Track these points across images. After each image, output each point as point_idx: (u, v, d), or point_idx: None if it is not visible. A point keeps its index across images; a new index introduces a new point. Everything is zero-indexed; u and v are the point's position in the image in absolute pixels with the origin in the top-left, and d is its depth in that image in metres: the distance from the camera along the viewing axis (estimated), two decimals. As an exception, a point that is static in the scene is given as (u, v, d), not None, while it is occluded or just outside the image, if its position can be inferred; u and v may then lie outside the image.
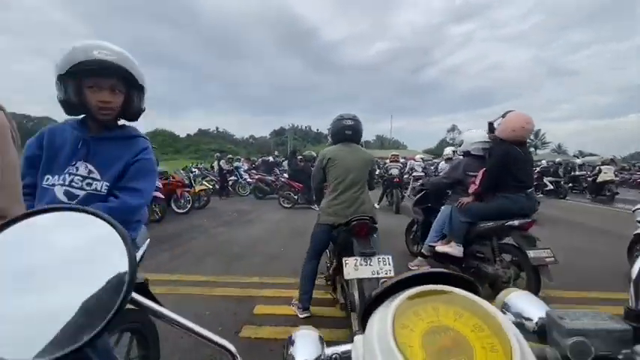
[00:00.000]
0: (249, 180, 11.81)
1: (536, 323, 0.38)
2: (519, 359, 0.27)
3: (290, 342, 0.39)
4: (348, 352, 0.37)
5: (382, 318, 0.32)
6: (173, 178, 7.25)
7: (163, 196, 6.34)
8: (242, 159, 14.52)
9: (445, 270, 0.37)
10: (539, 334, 0.37)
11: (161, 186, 6.43)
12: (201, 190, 8.09)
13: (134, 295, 0.34)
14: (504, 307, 0.40)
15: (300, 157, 9.83)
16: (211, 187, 11.37)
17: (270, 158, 14.70)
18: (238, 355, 0.38)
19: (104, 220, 0.37)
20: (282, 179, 8.75)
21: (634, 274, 0.38)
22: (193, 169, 8.12)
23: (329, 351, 0.38)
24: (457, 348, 0.29)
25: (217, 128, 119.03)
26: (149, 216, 5.81)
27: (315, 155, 9.04)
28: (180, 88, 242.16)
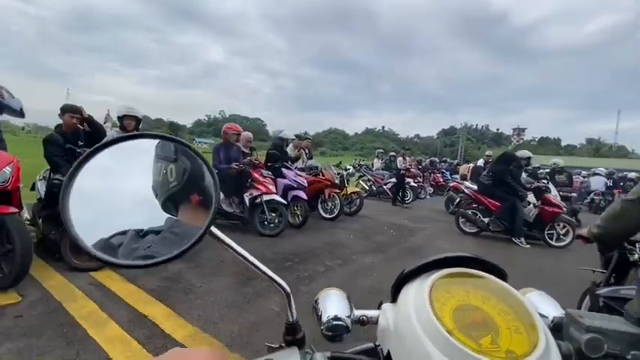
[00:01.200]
0: (412, 184, 9.58)
1: (552, 321, 0.40)
2: (544, 341, 0.30)
3: (320, 299, 0.41)
4: (376, 317, 0.39)
5: (419, 290, 0.35)
6: (322, 175, 6.01)
7: (306, 197, 5.11)
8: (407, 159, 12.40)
9: (478, 256, 0.40)
10: (554, 331, 0.38)
11: (306, 184, 5.23)
12: (353, 193, 6.58)
13: (214, 230, 0.37)
14: None
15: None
16: (367, 187, 9.92)
17: (480, 162, 9.78)
18: (292, 295, 0.40)
19: (194, 152, 0.40)
20: (467, 190, 6.00)
21: None
22: (348, 167, 6.75)
23: (358, 312, 0.40)
24: (484, 325, 0.31)
25: (383, 127, 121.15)
26: (288, 219, 4.68)
27: (529, 155, 5.78)
28: (354, 89, 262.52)
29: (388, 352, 0.36)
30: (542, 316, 0.38)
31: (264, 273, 0.39)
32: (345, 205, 6.40)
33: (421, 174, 11.90)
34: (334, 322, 0.38)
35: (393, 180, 9.38)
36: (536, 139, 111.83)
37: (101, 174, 0.37)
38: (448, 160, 16.79)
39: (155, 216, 0.40)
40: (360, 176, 10.06)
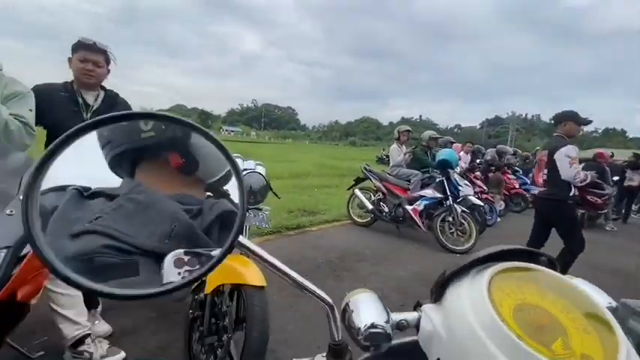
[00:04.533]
0: (474, 201, 4.16)
1: None
2: (624, 341, 0.26)
3: (350, 304, 0.35)
4: (416, 319, 0.35)
5: (474, 288, 0.31)
6: None
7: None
8: (456, 145, 6.89)
9: (525, 247, 0.35)
10: None
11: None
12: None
13: (242, 239, 0.32)
14: None
15: None
16: (369, 206, 4.64)
17: None
18: (336, 308, 0.37)
19: (217, 144, 0.30)
20: None
21: None
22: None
23: (395, 316, 0.35)
24: (551, 327, 0.28)
25: (420, 116, 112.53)
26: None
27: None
28: (391, 78, 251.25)
29: None
30: None
31: (306, 288, 0.37)
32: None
33: (481, 176, 6.43)
34: (372, 330, 0.33)
35: (427, 193, 4.05)
36: (600, 131, 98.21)
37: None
38: (516, 151, 10.85)
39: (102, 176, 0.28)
40: (358, 181, 4.82)
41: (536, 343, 0.25)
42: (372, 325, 0.33)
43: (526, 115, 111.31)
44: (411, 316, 0.35)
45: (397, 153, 4.84)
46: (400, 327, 0.35)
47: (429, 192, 3.99)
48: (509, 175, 7.09)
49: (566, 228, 2.75)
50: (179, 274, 0.28)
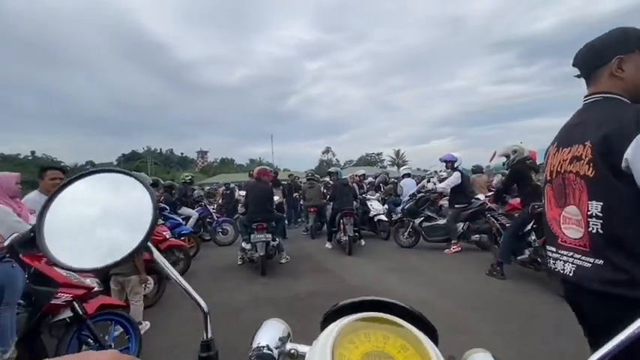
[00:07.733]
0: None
1: None
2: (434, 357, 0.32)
3: (261, 327, 0.43)
4: (306, 352, 0.38)
5: (332, 329, 0.35)
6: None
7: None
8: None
9: (415, 310, 0.40)
10: None
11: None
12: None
13: (152, 247, 0.43)
14: None
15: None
16: None
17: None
18: (209, 314, 0.44)
19: (137, 179, 0.46)
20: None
21: None
22: None
23: (290, 346, 0.40)
24: None
25: (33, 153, 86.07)
26: None
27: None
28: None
29: None
30: None
31: (187, 292, 0.43)
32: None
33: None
34: (263, 352, 0.39)
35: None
36: (218, 160, 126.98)
37: (72, 202, 0.44)
38: (157, 180, 6.44)
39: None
40: None
41: None
42: (266, 347, 0.39)
43: (161, 149, 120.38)
44: (303, 348, 0.39)
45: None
46: (291, 355, 0.39)
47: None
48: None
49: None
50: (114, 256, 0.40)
